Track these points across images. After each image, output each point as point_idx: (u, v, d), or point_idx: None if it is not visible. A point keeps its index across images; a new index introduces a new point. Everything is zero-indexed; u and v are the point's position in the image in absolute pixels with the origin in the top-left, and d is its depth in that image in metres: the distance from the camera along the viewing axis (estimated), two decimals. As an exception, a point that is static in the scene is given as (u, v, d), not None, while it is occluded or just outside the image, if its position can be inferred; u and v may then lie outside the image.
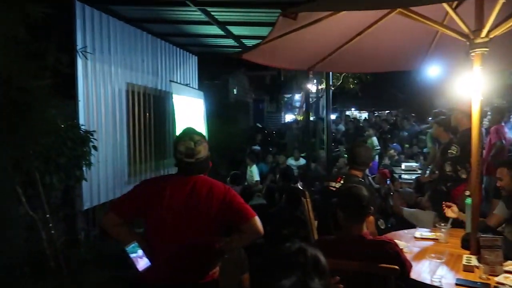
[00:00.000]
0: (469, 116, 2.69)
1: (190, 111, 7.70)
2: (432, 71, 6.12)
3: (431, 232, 3.22)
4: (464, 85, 3.11)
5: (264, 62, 3.45)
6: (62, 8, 4.42)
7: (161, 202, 2.05)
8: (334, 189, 3.15)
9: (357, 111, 21.84)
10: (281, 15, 1.85)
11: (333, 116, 15.56)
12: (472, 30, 2.53)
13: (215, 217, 2.05)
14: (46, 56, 3.38)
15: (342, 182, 3.18)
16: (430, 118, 7.17)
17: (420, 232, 3.22)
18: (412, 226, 3.98)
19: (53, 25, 3.19)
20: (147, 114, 6.78)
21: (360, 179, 3.23)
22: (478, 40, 2.48)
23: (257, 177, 8.00)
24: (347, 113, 20.70)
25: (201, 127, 8.36)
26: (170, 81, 7.30)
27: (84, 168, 4.41)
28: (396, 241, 2.23)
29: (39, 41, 3.22)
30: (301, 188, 3.69)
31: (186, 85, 8.20)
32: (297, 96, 20.01)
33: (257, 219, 2.04)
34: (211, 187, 2.10)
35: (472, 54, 2.52)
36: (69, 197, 4.81)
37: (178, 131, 6.75)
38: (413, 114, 11.14)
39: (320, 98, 13.63)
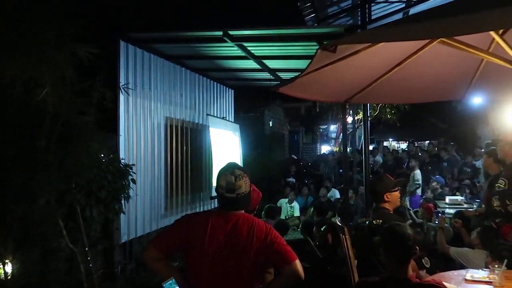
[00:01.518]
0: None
1: (226, 144, 7.76)
2: (475, 99, 5.90)
3: (483, 273, 2.98)
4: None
5: (300, 95, 3.43)
6: (107, 47, 4.65)
7: (202, 239, 2.02)
8: (364, 224, 3.04)
9: (395, 141, 21.29)
10: (321, 49, 1.83)
11: (370, 147, 15.22)
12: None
13: (255, 258, 1.99)
14: (92, 92, 3.53)
15: (371, 217, 3.12)
16: (482, 150, 6.82)
17: (471, 273, 2.99)
18: (460, 266, 3.72)
19: (98, 63, 3.34)
20: (185, 147, 6.89)
21: (390, 211, 3.13)
22: (529, 68, 2.35)
23: (297, 213, 7.91)
24: (385, 144, 20.21)
25: (237, 160, 8.37)
26: (207, 114, 7.43)
27: (122, 201, 4.48)
28: (445, 283, 2.06)
29: (85, 78, 3.37)
30: (340, 224, 3.55)
31: (223, 118, 8.32)
32: (333, 127, 19.83)
33: (298, 263, 1.98)
34: (252, 226, 2.05)
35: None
36: (107, 230, 4.87)
37: (214, 164, 6.84)
38: (452, 143, 10.63)
39: (356, 129, 13.42)
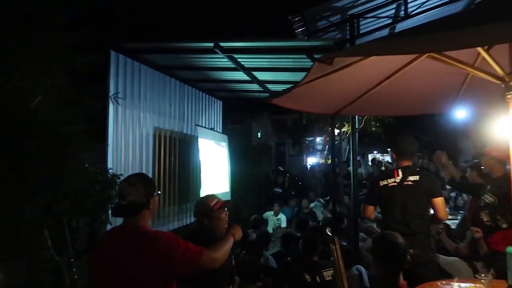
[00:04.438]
0: (502, 162, 2.58)
1: (214, 155, 7.75)
2: (458, 113, 6.03)
3: (471, 283, 3.02)
4: (498, 129, 3.03)
5: (292, 106, 3.47)
6: (98, 57, 4.64)
7: (96, 266, 2.03)
8: (393, 184, 3.44)
9: (379, 154, 21.55)
10: (318, 61, 1.87)
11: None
12: (507, 72, 2.49)
13: (151, 274, 1.90)
14: (82, 102, 3.51)
15: (400, 175, 3.45)
16: (464, 163, 6.94)
17: (458, 283, 3.02)
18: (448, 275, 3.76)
19: (89, 72, 3.34)
20: (173, 157, 6.85)
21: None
22: (514, 83, 2.43)
23: (284, 224, 7.90)
24: (370, 156, 20.44)
25: (225, 170, 8.36)
26: (196, 125, 7.43)
27: (109, 212, 4.42)
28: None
29: (75, 88, 3.36)
30: (330, 234, 3.56)
31: (211, 129, 8.32)
32: (319, 139, 19.99)
33: (205, 255, 1.98)
34: (140, 240, 1.96)
35: (508, 96, 2.47)
36: (93, 241, 4.79)
37: (203, 175, 6.82)
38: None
39: (342, 141, 13.55)
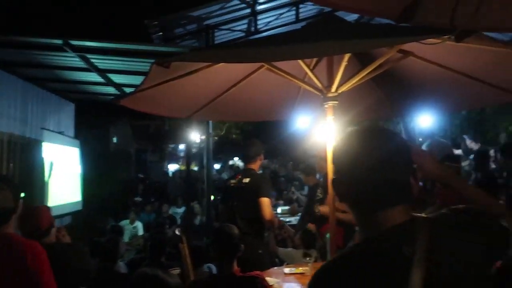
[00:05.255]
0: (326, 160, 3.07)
1: (63, 160, 7.20)
2: (300, 122, 6.83)
3: (299, 267, 3.50)
4: (320, 134, 3.58)
5: (144, 109, 3.51)
6: None
7: None
8: (233, 184, 3.62)
9: (240, 160, 22.61)
10: (155, 64, 1.97)
11: (218, 166, 15.89)
12: (325, 86, 2.99)
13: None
14: None
15: (240, 177, 3.65)
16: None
17: (289, 268, 3.49)
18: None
19: None
20: (11, 164, 6.14)
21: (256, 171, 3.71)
22: (330, 94, 2.93)
23: (141, 232, 7.76)
24: (230, 162, 21.35)
25: (75, 178, 7.83)
26: (42, 128, 6.80)
27: None
28: (267, 278, 2.40)
29: None
30: (179, 233, 3.74)
31: (60, 133, 7.69)
32: (182, 146, 20.06)
33: None
34: (11, 251, 1.81)
35: (326, 106, 2.97)
36: None
37: (50, 182, 6.26)
38: (291, 162, 12.14)
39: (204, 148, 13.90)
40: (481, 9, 1.18)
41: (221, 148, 16.72)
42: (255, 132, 14.78)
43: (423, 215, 1.00)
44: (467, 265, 0.93)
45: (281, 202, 9.11)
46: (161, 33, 5.74)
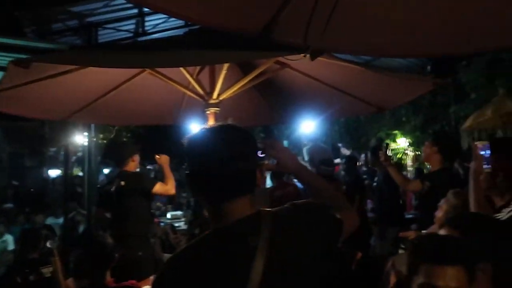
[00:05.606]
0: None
1: None
2: (193, 126, 6.83)
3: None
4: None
5: (9, 110, 3.18)
6: None
7: None
8: (112, 189, 3.45)
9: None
10: (13, 64, 1.80)
11: (107, 170, 14.97)
12: (207, 92, 3.05)
13: None
14: None
15: (117, 180, 3.50)
16: None
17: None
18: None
19: None
20: None
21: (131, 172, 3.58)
22: (211, 101, 3.00)
23: (11, 246, 6.91)
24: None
25: None
26: None
27: None
28: (145, 287, 2.35)
29: None
30: (50, 246, 3.47)
31: None
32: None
33: None
34: None
35: (207, 112, 3.02)
36: None
37: None
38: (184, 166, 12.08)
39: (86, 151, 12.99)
40: (327, 31, 1.32)
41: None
42: (148, 135, 14.26)
43: (268, 209, 1.10)
44: (304, 250, 1.07)
45: (169, 206, 9.00)
46: (35, 27, 5.24)
